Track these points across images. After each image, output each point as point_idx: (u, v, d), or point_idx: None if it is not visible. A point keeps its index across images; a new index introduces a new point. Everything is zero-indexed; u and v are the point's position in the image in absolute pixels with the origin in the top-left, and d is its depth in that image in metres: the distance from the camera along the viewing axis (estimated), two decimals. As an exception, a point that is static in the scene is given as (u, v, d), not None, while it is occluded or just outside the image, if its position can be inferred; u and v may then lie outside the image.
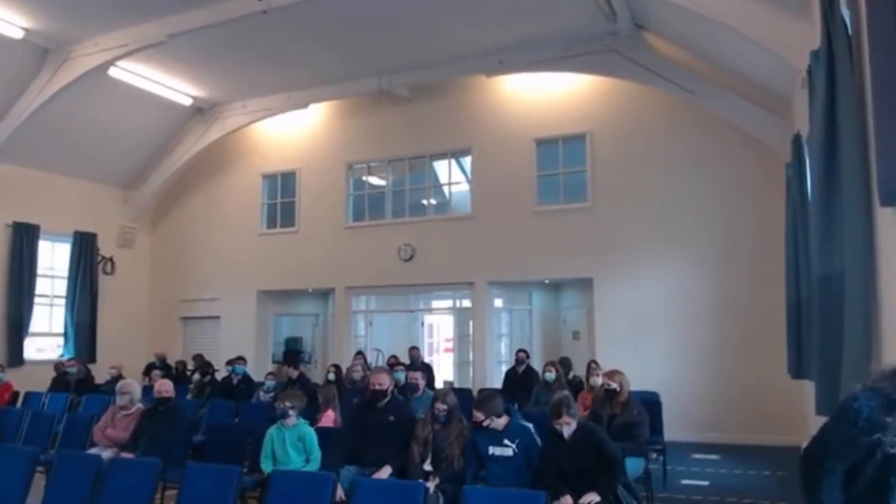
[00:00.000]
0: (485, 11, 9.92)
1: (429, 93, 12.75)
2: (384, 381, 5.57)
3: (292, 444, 5.40)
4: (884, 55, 3.14)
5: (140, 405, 6.58)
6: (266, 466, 5.32)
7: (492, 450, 4.81)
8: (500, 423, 4.89)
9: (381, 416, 5.48)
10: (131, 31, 10.42)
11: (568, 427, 4.57)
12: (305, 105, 13.08)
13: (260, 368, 12.08)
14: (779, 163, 8.82)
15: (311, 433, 5.51)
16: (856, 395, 2.01)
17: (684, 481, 7.44)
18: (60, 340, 13.49)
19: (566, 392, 5.47)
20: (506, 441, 4.83)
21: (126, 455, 5.80)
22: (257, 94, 13.18)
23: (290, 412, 5.46)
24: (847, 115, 3.86)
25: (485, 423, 4.86)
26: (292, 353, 13.43)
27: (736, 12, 7.03)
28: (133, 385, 6.73)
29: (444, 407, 5.18)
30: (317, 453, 5.42)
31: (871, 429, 1.90)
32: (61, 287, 13.62)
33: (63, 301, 13.53)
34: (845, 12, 4.15)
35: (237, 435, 6.27)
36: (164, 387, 6.46)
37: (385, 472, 5.09)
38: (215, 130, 13.74)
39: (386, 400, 5.55)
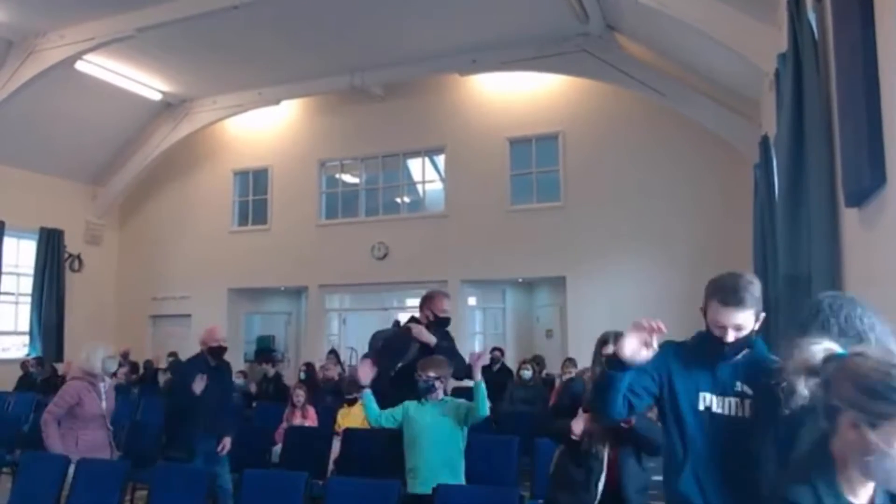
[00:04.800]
0: (458, 10, 9.92)
1: (402, 90, 12.71)
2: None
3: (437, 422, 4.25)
4: (848, 59, 3.20)
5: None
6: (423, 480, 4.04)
7: (709, 400, 2.36)
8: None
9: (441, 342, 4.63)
10: (99, 24, 10.21)
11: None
12: (277, 102, 12.94)
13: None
14: (748, 163, 8.96)
15: (462, 402, 4.38)
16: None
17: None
18: (26, 339, 13.21)
19: None
20: (738, 385, 2.32)
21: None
22: (228, 90, 13.01)
23: (437, 384, 4.31)
24: (813, 117, 3.92)
25: (740, 335, 2.25)
26: (264, 351, 13.31)
27: (704, 15, 7.12)
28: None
29: None
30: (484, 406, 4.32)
31: None
32: (27, 285, 13.33)
33: (28, 299, 13.24)
34: (812, 16, 4.23)
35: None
36: None
37: None
38: (185, 126, 13.55)
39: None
